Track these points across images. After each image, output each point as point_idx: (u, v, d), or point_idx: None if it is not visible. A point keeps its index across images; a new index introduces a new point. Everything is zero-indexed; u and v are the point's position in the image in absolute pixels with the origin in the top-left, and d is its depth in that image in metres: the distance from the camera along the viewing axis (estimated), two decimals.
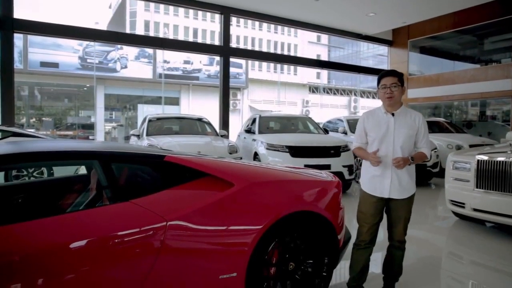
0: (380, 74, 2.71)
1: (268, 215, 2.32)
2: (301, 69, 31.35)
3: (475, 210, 4.46)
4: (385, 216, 2.79)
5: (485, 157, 4.42)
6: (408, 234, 2.80)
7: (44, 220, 1.93)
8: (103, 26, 34.43)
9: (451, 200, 4.83)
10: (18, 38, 16.00)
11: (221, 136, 8.20)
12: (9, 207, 2.75)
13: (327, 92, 31.64)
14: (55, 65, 19.08)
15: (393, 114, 2.65)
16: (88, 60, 19.53)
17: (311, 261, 2.59)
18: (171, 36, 31.20)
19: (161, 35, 30.54)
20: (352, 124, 9.88)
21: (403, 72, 16.38)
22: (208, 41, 31.98)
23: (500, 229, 4.74)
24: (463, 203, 4.61)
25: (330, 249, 2.64)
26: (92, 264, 1.92)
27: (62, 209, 2.61)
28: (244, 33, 37.33)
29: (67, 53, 19.28)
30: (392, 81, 2.62)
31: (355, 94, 30.01)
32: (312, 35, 37.73)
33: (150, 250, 2.03)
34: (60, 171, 6.10)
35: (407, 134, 2.62)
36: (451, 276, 3.44)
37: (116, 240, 1.98)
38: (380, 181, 2.66)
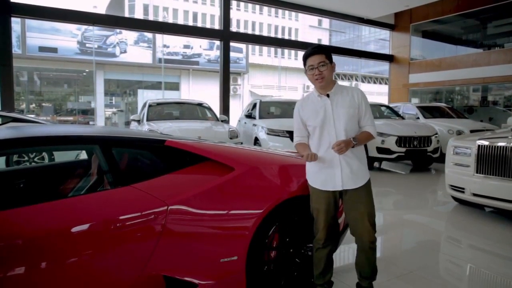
0: (305, 53, 2.39)
1: (268, 199, 2.33)
2: (302, 54, 31.04)
3: (474, 195, 4.48)
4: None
5: (485, 142, 4.41)
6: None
7: (45, 205, 1.94)
8: (101, 10, 33.98)
9: (451, 185, 4.85)
10: (15, 23, 15.85)
11: (222, 121, 8.19)
12: (10, 192, 2.76)
13: None
14: (54, 50, 18.93)
15: (328, 96, 2.35)
16: (87, 45, 19.36)
17: (311, 245, 2.61)
18: (170, 20, 30.77)
19: (160, 19, 30.14)
20: None
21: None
22: (208, 25, 31.59)
23: (499, 214, 4.77)
24: (463, 188, 4.62)
25: None
26: (94, 248, 1.93)
27: (63, 194, 2.62)
28: (245, 17, 36.86)
29: (65, 38, 19.11)
30: (319, 59, 2.30)
31: (356, 79, 29.75)
32: (313, 19, 37.26)
33: (151, 234, 2.04)
34: (61, 157, 6.12)
35: (347, 113, 2.31)
36: (450, 260, 3.48)
37: (118, 224, 1.99)
38: (330, 173, 2.35)
